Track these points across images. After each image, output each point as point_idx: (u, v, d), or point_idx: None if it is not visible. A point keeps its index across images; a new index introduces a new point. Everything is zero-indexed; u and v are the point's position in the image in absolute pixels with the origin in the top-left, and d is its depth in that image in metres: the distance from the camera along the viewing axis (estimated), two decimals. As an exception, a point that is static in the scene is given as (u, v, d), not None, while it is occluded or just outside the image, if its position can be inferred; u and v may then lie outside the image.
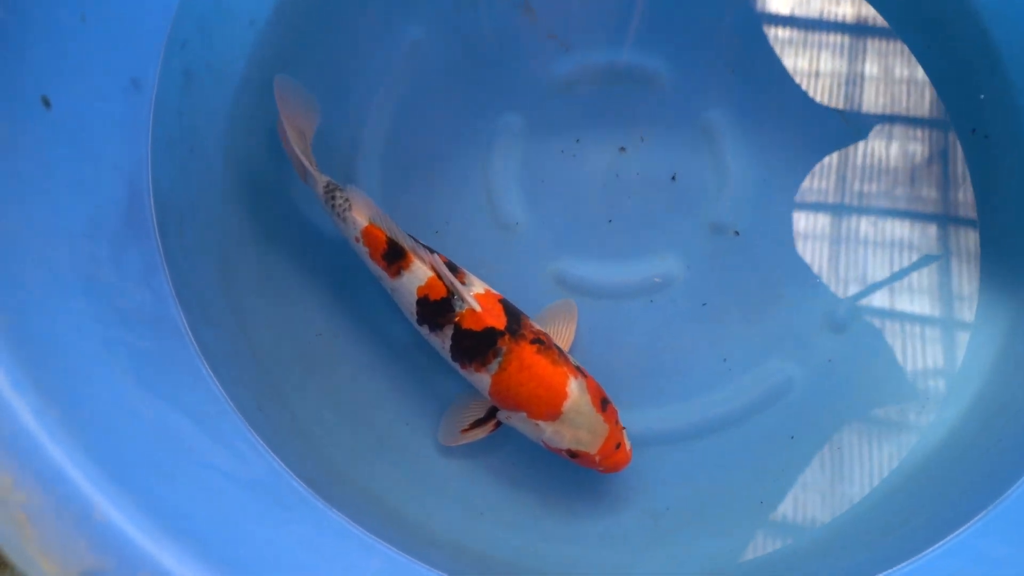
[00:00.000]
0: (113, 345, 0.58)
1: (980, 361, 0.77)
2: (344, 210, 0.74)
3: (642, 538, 0.75)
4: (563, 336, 0.77)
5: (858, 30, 0.86)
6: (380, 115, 0.84)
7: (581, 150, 0.84)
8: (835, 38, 0.86)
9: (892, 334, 0.80)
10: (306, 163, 0.75)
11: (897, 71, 0.85)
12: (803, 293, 0.81)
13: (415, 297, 0.72)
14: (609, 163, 0.84)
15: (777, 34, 0.87)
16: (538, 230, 0.83)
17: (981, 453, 0.71)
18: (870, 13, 0.86)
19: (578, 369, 0.72)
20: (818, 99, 0.85)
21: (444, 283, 0.71)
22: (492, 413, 0.74)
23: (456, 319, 0.71)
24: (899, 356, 0.79)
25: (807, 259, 0.82)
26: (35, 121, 0.58)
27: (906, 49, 0.85)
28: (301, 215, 0.82)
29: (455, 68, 0.86)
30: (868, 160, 0.84)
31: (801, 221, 0.83)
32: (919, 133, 0.84)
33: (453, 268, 0.74)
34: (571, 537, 0.75)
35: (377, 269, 0.74)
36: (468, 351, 0.71)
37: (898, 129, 0.84)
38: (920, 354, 0.79)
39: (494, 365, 0.70)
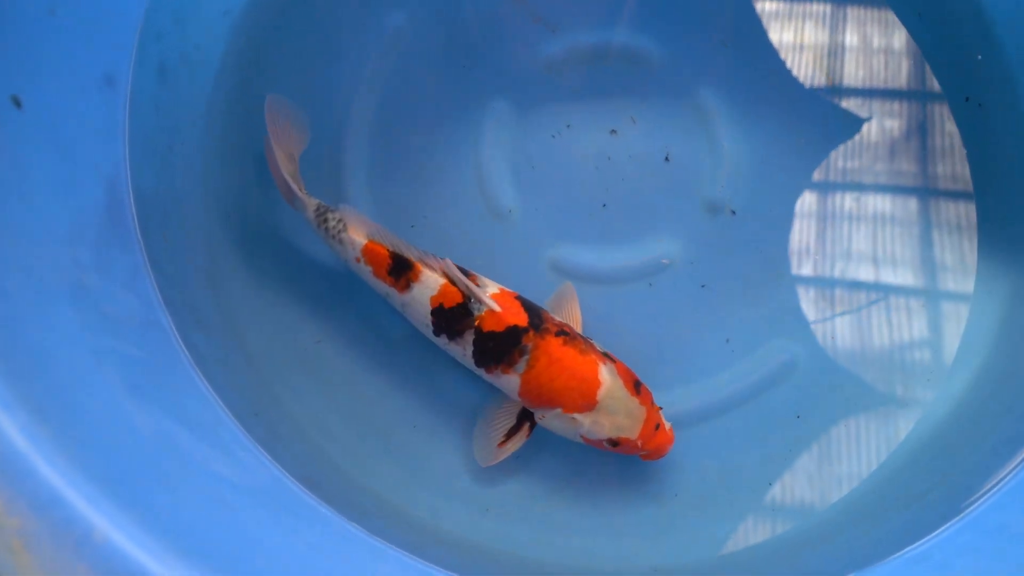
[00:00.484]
0: (103, 355, 0.56)
1: (983, 331, 0.77)
2: (339, 231, 0.72)
3: (650, 525, 0.74)
4: (572, 320, 0.75)
5: (849, 1, 0.85)
6: (364, 106, 0.83)
7: (572, 134, 0.83)
8: (825, 8, 0.86)
9: (894, 308, 0.79)
10: (294, 187, 0.72)
11: (882, 40, 0.85)
12: (804, 270, 0.81)
13: (429, 308, 0.70)
14: (601, 146, 0.83)
15: (767, 7, 0.86)
16: (532, 218, 0.82)
17: (993, 422, 0.71)
18: (859, -16, 0.85)
19: (605, 355, 0.71)
20: (810, 73, 0.84)
21: (458, 288, 0.69)
22: (523, 418, 0.72)
23: (476, 323, 0.69)
24: (902, 330, 0.79)
25: (806, 236, 0.81)
26: (6, 123, 0.56)
27: (896, 18, 0.85)
28: (289, 211, 0.80)
29: (439, 55, 0.84)
30: (863, 133, 0.83)
31: (800, 198, 0.82)
32: (912, 105, 0.84)
33: (463, 271, 0.72)
34: (579, 528, 0.74)
35: (383, 287, 0.72)
36: (493, 354, 0.69)
37: (891, 100, 0.84)
38: (923, 327, 0.79)
39: (521, 364, 0.69)
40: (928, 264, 0.81)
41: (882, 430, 0.76)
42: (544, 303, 0.77)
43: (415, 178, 0.82)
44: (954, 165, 0.82)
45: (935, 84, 0.84)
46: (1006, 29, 0.80)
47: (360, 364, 0.77)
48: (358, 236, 0.71)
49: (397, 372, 0.77)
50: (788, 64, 0.85)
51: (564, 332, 0.70)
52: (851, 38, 0.85)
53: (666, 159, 0.83)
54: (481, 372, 0.71)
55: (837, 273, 0.80)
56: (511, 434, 0.72)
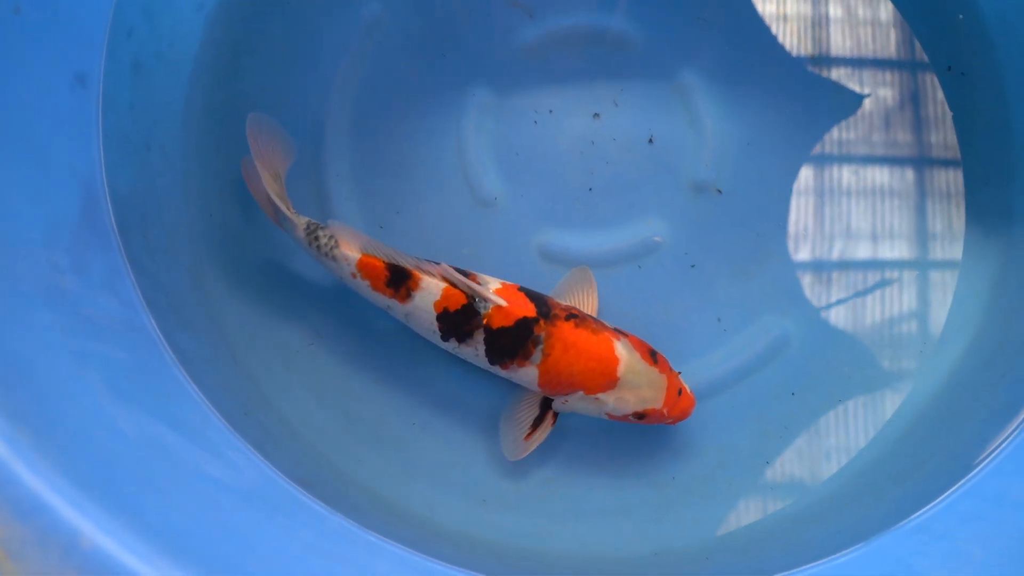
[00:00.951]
0: (83, 358, 0.54)
1: (973, 299, 0.77)
2: (331, 248, 0.70)
3: (648, 510, 0.74)
4: (588, 305, 0.75)
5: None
6: (342, 98, 0.82)
7: (554, 119, 0.82)
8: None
9: (883, 280, 0.79)
10: (282, 207, 0.71)
11: (867, 12, 0.84)
12: (791, 247, 0.80)
13: (434, 314, 0.69)
14: (584, 130, 0.82)
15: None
16: (518, 205, 0.81)
17: (988, 391, 0.71)
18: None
19: (617, 331, 0.71)
20: (789, 46, 0.84)
21: (461, 289, 0.68)
22: (546, 406, 0.72)
23: (484, 321, 0.68)
24: (892, 302, 0.79)
25: (792, 212, 0.81)
26: (-25, 125, 0.55)
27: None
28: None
29: (417, 44, 0.83)
30: (845, 106, 0.83)
31: (784, 174, 0.82)
32: (894, 75, 0.83)
33: (462, 272, 0.71)
34: (577, 515, 0.74)
35: (383, 299, 0.71)
36: (506, 349, 0.69)
37: (875, 72, 0.84)
38: (913, 298, 0.79)
39: (537, 355, 0.68)
40: (914, 234, 0.80)
41: (878, 403, 0.76)
42: (555, 287, 0.76)
43: (398, 169, 0.81)
44: (942, 134, 0.82)
45: (921, 55, 0.83)
46: (986, -4, 0.80)
47: (349, 359, 0.77)
48: (351, 251, 0.70)
49: (387, 366, 0.77)
50: (770, 39, 0.84)
51: (573, 315, 0.70)
52: (835, 10, 0.85)
53: (650, 141, 0.82)
54: (496, 369, 0.71)
55: (826, 247, 0.80)
56: (536, 424, 0.71)
